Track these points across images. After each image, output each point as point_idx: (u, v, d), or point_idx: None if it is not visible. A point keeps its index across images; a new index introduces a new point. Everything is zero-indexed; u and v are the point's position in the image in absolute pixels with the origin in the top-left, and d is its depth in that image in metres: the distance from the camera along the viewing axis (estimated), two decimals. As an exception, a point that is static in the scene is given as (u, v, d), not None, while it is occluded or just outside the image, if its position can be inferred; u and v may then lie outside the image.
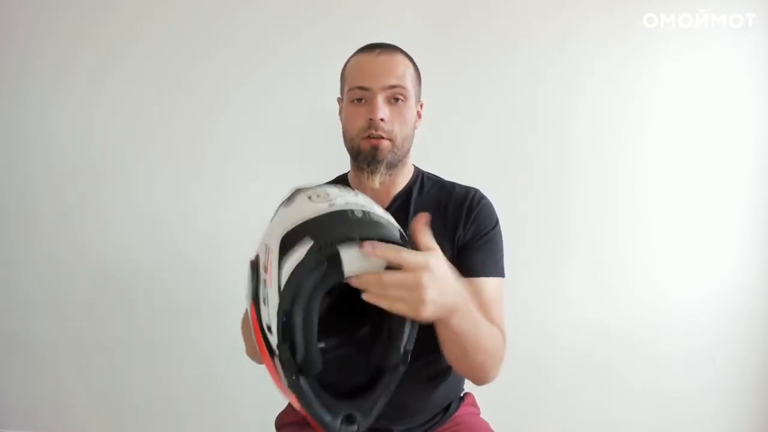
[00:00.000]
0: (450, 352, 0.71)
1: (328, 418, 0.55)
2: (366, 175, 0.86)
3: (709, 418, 1.45)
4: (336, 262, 0.51)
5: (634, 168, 1.41)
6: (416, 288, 0.53)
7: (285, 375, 0.54)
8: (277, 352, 0.54)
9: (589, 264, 1.42)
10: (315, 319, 0.52)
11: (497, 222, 0.90)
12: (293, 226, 0.54)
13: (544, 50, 1.39)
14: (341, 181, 0.99)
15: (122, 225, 1.49)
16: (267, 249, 0.56)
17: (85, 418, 1.56)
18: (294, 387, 0.54)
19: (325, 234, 0.52)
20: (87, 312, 1.52)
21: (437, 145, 1.35)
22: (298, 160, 1.44)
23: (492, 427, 0.95)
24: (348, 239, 0.51)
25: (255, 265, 0.58)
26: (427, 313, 0.54)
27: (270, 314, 0.54)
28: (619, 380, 1.44)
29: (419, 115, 0.94)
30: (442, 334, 0.67)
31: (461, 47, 1.40)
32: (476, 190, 0.92)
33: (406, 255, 0.53)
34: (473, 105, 1.41)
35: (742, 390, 1.44)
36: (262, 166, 1.46)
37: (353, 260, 0.51)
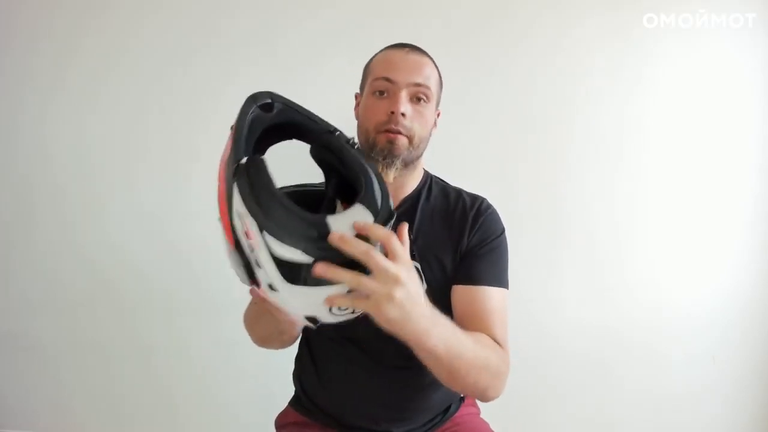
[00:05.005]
0: (435, 373, 0.69)
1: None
2: (381, 167, 0.82)
3: (709, 418, 1.44)
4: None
5: (633, 168, 1.41)
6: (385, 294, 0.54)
7: None
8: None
9: (589, 264, 1.42)
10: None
11: (503, 231, 0.89)
12: None
13: (544, 50, 1.39)
14: None
15: (120, 225, 1.48)
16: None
17: (83, 418, 1.55)
18: None
19: None
20: (85, 312, 1.51)
21: (436, 145, 1.35)
22: (298, 159, 1.43)
23: (492, 427, 0.95)
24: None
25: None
26: (389, 317, 0.55)
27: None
28: (618, 380, 1.44)
29: (435, 123, 0.92)
30: (419, 355, 0.65)
31: (460, 48, 1.39)
32: (483, 199, 0.91)
33: (381, 260, 0.53)
34: (473, 105, 1.40)
35: (742, 390, 1.44)
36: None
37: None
